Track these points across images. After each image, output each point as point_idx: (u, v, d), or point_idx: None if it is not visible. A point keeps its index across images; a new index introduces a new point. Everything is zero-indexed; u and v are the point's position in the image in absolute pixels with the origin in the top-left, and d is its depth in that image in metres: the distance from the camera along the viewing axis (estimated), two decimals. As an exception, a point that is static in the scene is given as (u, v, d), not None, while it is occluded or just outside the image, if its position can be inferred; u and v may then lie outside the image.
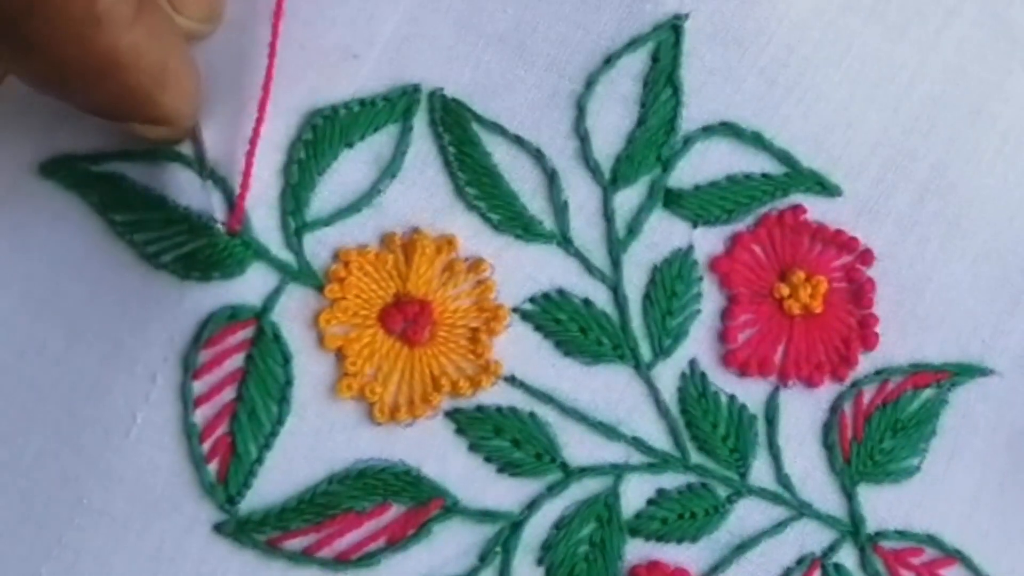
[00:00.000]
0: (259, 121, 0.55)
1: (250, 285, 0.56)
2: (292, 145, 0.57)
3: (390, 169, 0.58)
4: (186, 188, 0.56)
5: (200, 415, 0.57)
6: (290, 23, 0.57)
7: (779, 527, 0.60)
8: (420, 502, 0.58)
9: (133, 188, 0.57)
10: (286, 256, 0.57)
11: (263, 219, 0.57)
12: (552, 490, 0.58)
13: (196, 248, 0.56)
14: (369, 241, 0.58)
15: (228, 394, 0.57)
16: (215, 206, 0.56)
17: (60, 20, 0.47)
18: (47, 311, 0.57)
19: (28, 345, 0.57)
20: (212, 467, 0.57)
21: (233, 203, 0.56)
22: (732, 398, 0.59)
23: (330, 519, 0.57)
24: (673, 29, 0.59)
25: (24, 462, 0.57)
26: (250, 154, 0.55)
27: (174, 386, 0.56)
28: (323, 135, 0.57)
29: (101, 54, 0.49)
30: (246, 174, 0.55)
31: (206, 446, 0.57)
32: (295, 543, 0.57)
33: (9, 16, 0.46)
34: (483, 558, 0.58)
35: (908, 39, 0.61)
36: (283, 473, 0.57)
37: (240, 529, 0.57)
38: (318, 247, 0.57)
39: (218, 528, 0.57)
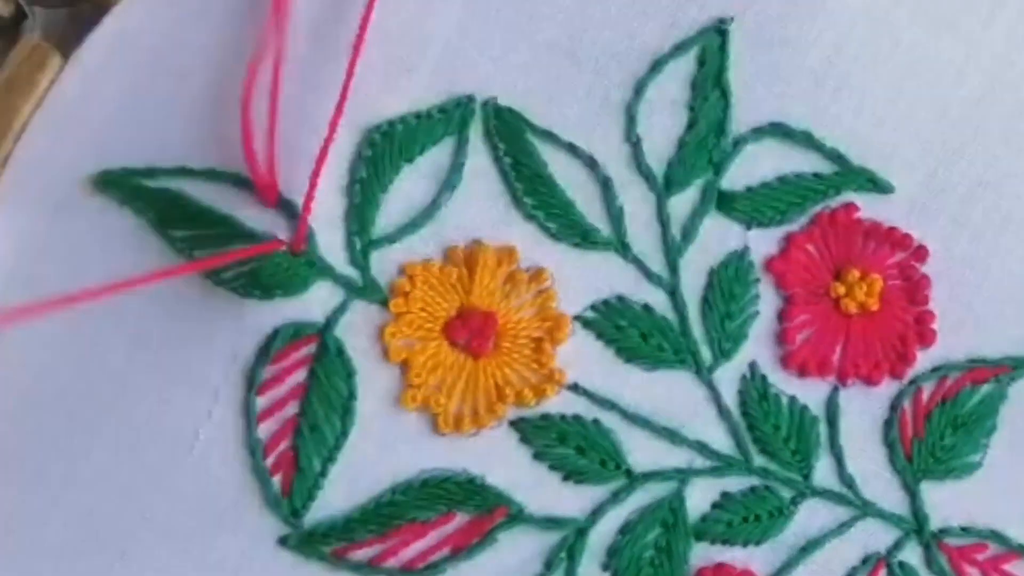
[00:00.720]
0: (328, 140, 0.56)
1: (313, 303, 0.57)
2: (352, 163, 0.58)
3: (449, 181, 0.58)
4: (247, 207, 0.57)
5: (263, 430, 0.58)
6: (343, 37, 0.58)
7: (843, 527, 0.60)
8: (485, 510, 0.59)
9: (193, 205, 0.57)
10: (351, 273, 0.58)
11: (328, 239, 0.57)
12: (617, 496, 0.59)
13: (258, 267, 0.57)
14: (433, 255, 0.59)
15: (291, 409, 0.58)
16: (278, 226, 0.57)
17: None
18: (107, 327, 0.58)
19: (89, 361, 0.58)
20: (276, 481, 0.58)
21: (296, 223, 0.57)
22: (793, 399, 0.60)
23: (395, 529, 0.58)
24: (719, 32, 0.60)
25: (86, 477, 0.58)
26: (315, 175, 0.56)
27: (236, 402, 0.57)
28: (383, 152, 0.58)
29: None
30: (309, 196, 0.56)
31: (269, 461, 0.58)
32: (360, 554, 0.58)
33: None
34: (549, 565, 0.59)
35: (955, 33, 0.61)
36: (348, 485, 0.58)
37: (305, 541, 0.58)
38: (383, 263, 0.58)
39: (282, 541, 0.58)
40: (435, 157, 0.59)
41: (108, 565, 0.58)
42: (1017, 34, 0.61)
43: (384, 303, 0.58)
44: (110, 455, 0.57)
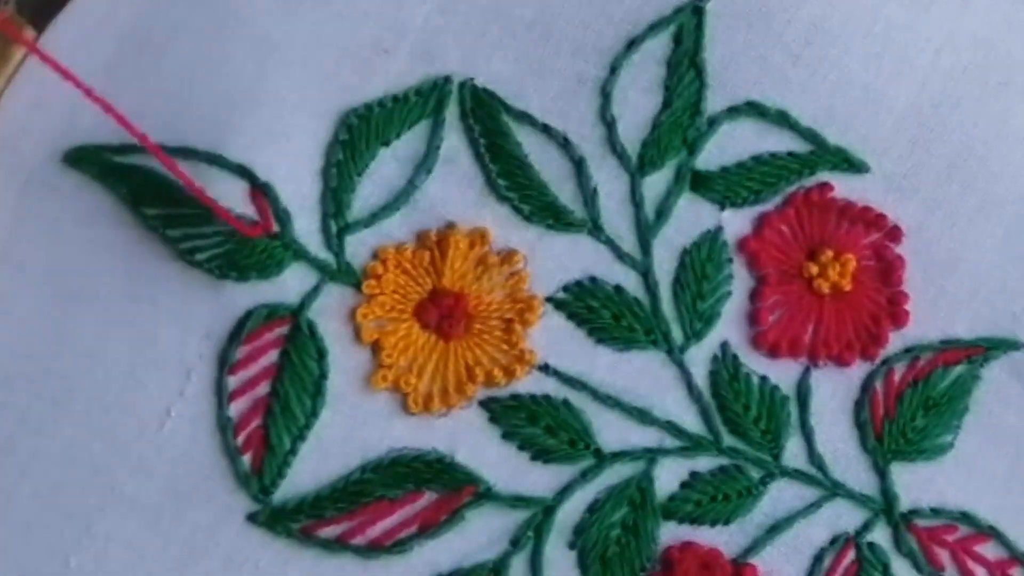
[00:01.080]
0: None
1: (288, 284, 0.58)
2: (330, 146, 0.59)
3: (425, 164, 0.59)
4: (221, 187, 0.58)
5: (234, 409, 0.59)
6: (321, 17, 0.59)
7: (812, 507, 0.61)
8: (453, 489, 0.60)
9: (164, 182, 0.58)
10: (326, 256, 0.59)
11: (304, 222, 0.58)
12: (586, 475, 0.60)
13: (233, 248, 0.58)
14: (406, 238, 0.59)
15: (263, 389, 0.59)
16: (247, 210, 0.58)
17: None
18: (79, 303, 0.58)
19: (60, 336, 0.58)
20: (246, 459, 0.59)
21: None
22: (764, 379, 0.61)
23: (363, 507, 0.59)
24: (694, 11, 0.60)
25: (54, 452, 0.59)
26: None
27: (209, 381, 0.58)
28: (359, 135, 0.59)
29: None
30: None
31: (240, 439, 0.59)
32: (328, 531, 0.59)
33: None
34: (515, 542, 0.60)
35: (934, 11, 0.61)
36: (317, 464, 0.59)
37: (274, 518, 0.59)
38: (358, 247, 0.59)
39: (251, 517, 0.59)
40: (411, 140, 0.60)
41: (75, 539, 0.59)
42: (996, 13, 0.62)
43: (358, 286, 0.59)
44: (80, 430, 0.58)
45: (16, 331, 0.58)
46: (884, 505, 0.61)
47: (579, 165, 0.60)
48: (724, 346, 0.61)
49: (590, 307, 0.60)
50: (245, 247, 0.57)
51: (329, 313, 0.59)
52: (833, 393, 0.61)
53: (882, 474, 0.61)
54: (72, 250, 0.58)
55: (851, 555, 0.61)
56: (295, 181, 0.58)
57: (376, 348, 0.59)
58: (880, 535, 0.61)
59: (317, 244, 0.59)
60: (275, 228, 0.58)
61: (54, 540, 0.58)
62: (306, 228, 0.58)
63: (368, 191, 0.59)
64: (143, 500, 0.58)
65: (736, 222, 0.61)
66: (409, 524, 0.59)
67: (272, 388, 0.58)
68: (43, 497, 0.58)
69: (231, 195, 0.58)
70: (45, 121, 0.58)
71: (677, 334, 0.61)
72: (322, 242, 0.59)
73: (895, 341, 0.61)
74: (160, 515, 0.58)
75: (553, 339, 0.60)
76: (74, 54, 0.57)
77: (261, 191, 0.58)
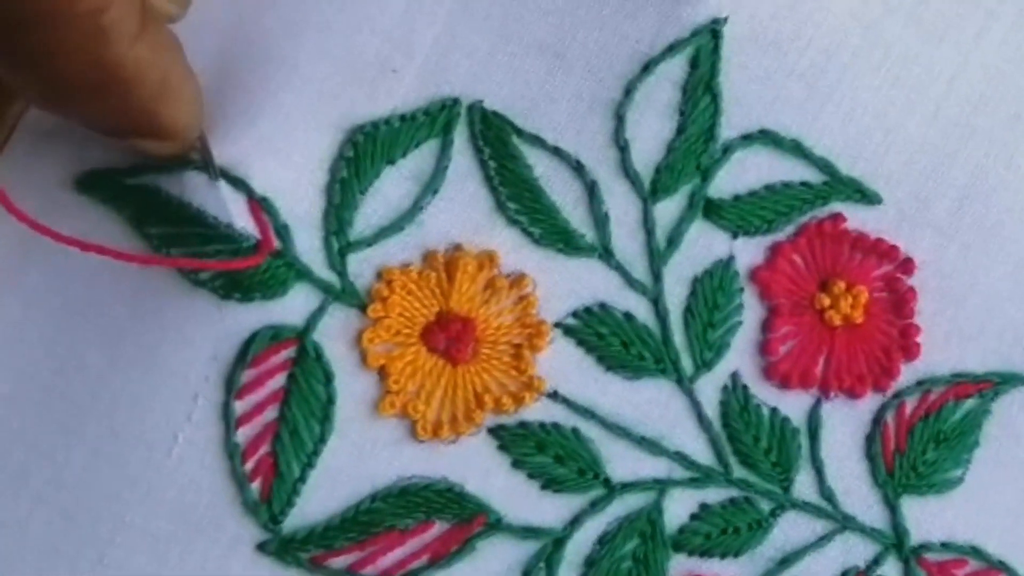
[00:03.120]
0: None
1: (292, 305, 0.60)
2: (334, 163, 0.60)
3: (431, 185, 0.61)
4: (226, 205, 0.59)
5: (242, 435, 0.60)
6: (328, 35, 0.60)
7: (822, 541, 0.63)
8: (463, 519, 0.61)
9: (169, 202, 0.59)
10: (329, 276, 0.60)
11: (306, 240, 0.60)
12: (595, 506, 0.62)
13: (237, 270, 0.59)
14: (412, 259, 0.61)
15: (270, 414, 0.60)
16: (248, 225, 0.59)
17: (66, 32, 0.48)
18: (86, 327, 0.60)
19: (68, 362, 0.60)
20: (255, 486, 0.60)
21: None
22: (774, 411, 0.63)
23: (373, 537, 0.61)
24: (712, 34, 0.62)
25: (66, 479, 0.60)
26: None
27: (216, 406, 0.60)
28: (364, 152, 0.60)
29: (106, 67, 0.50)
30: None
31: (248, 466, 0.60)
32: (339, 561, 0.61)
33: (14, 26, 0.48)
34: (527, 574, 0.62)
35: (947, 42, 0.63)
36: (326, 491, 0.61)
37: (284, 548, 0.60)
38: (362, 266, 0.60)
39: (261, 547, 0.60)
40: (418, 160, 0.61)
41: (88, 569, 0.60)
42: (1009, 45, 0.64)
43: (363, 308, 0.61)
44: (90, 457, 0.60)
45: (27, 357, 0.60)
46: (895, 539, 0.63)
47: (591, 189, 0.62)
48: (735, 376, 0.63)
49: (599, 334, 0.62)
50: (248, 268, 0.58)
51: (335, 335, 0.60)
52: (844, 426, 0.63)
53: (893, 508, 0.63)
54: (80, 275, 0.60)
55: (861, 589, 0.61)
56: (298, 198, 0.60)
57: (383, 373, 0.60)
58: (891, 569, 0.63)
59: (320, 263, 0.60)
60: (276, 245, 0.59)
61: (67, 571, 0.60)
62: (308, 247, 0.60)
63: (372, 210, 0.61)
64: (153, 530, 0.60)
65: (748, 251, 0.63)
66: (420, 555, 0.61)
67: (280, 413, 0.60)
68: (56, 527, 0.60)
69: (229, 207, 0.59)
70: (58, 148, 0.60)
71: (687, 363, 0.63)
72: (325, 261, 0.60)
73: (906, 374, 0.63)
74: (171, 545, 0.60)
75: (562, 365, 0.62)
76: None
77: (259, 205, 0.59)
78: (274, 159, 0.59)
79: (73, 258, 0.59)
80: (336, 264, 0.60)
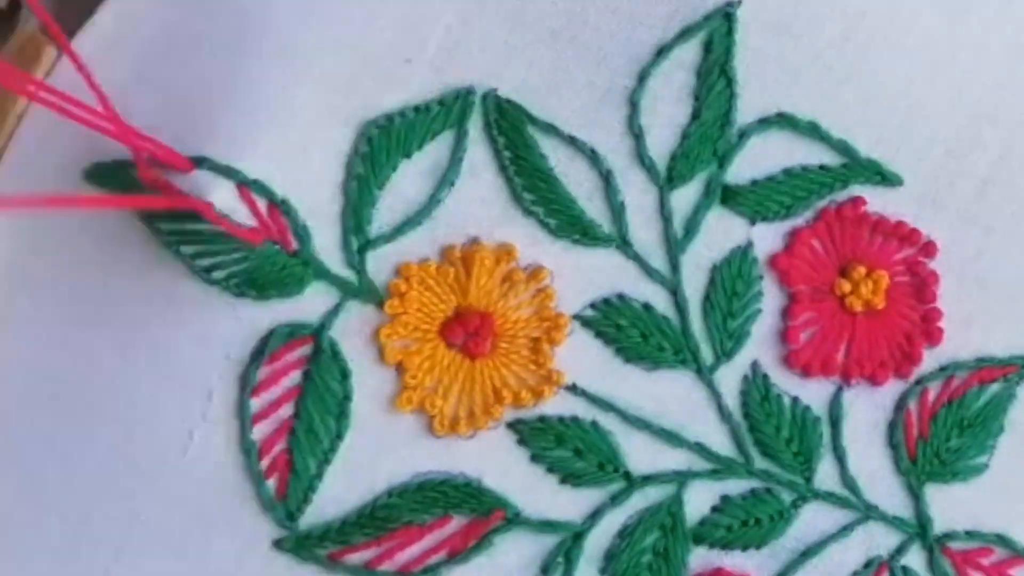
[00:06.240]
0: None
1: (309, 303, 0.63)
2: (349, 159, 0.63)
3: (448, 177, 0.64)
4: (241, 204, 0.62)
5: (258, 432, 0.63)
6: (340, 26, 0.63)
7: (845, 531, 0.67)
8: (481, 513, 0.65)
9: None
10: (347, 274, 0.63)
11: (325, 237, 0.63)
12: (615, 499, 0.66)
13: (253, 266, 0.62)
14: (430, 254, 0.64)
15: (286, 411, 0.64)
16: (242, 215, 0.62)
17: None
18: (99, 323, 0.63)
19: (80, 358, 0.63)
20: (271, 484, 0.64)
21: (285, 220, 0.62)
22: (795, 400, 0.66)
23: (391, 532, 0.64)
24: (725, 17, 0.64)
25: (80, 478, 0.63)
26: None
27: (230, 404, 0.63)
28: (380, 147, 0.63)
29: None
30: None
31: (264, 463, 0.64)
32: (356, 557, 0.64)
33: None
34: (546, 569, 0.65)
35: (970, 19, 0.66)
36: (343, 488, 0.64)
37: (300, 544, 0.64)
38: (380, 264, 0.64)
39: (278, 544, 0.64)
40: (433, 152, 0.64)
41: (103, 568, 0.63)
42: (1035, 21, 0.65)
43: (380, 304, 0.64)
44: (105, 456, 0.63)
45: (39, 354, 0.63)
46: (918, 528, 0.67)
47: (607, 178, 0.65)
48: (755, 366, 0.66)
49: (618, 325, 0.65)
50: (264, 265, 0.62)
51: (351, 332, 0.63)
52: (866, 413, 0.66)
53: (916, 496, 0.66)
54: (93, 270, 0.63)
55: (885, 579, 0.65)
56: (315, 195, 0.62)
57: (400, 369, 0.64)
58: (914, 559, 0.67)
59: (338, 261, 0.63)
60: (294, 246, 0.62)
61: (82, 570, 0.63)
62: (326, 244, 0.63)
63: (389, 205, 0.63)
64: (169, 527, 0.63)
65: (767, 237, 0.66)
66: (438, 550, 0.64)
67: (296, 410, 0.63)
68: (71, 526, 0.63)
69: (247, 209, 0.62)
70: (66, 138, 0.62)
71: (707, 353, 0.66)
72: (343, 259, 0.63)
73: (929, 359, 0.67)
74: (186, 543, 0.63)
75: (580, 358, 0.65)
76: (95, 69, 0.59)
77: (279, 208, 0.62)
78: (293, 159, 0.62)
79: (85, 252, 0.62)
80: (354, 262, 0.63)
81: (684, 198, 0.65)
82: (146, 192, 0.61)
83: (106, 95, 0.57)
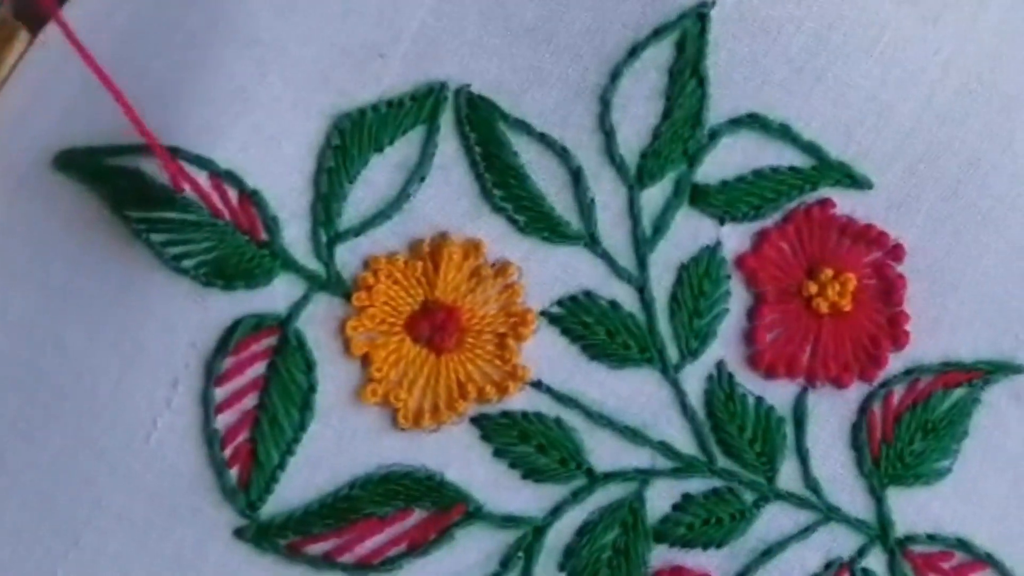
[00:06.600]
0: None
1: (276, 294, 0.64)
2: (321, 152, 0.64)
3: (418, 172, 0.65)
4: (211, 192, 0.63)
5: (221, 421, 0.64)
6: (315, 20, 0.63)
7: (806, 532, 0.67)
8: (442, 507, 0.65)
9: (151, 185, 0.63)
10: (315, 266, 0.64)
11: (294, 229, 0.64)
12: (577, 496, 0.66)
13: (222, 256, 0.63)
14: (398, 248, 0.65)
15: (250, 401, 0.64)
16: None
17: None
18: (66, 308, 0.64)
19: (47, 342, 0.64)
20: (233, 473, 0.64)
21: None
22: (759, 400, 0.67)
23: (352, 524, 0.65)
24: (699, 17, 0.65)
25: (43, 461, 0.64)
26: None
27: (195, 392, 0.64)
28: (352, 140, 0.64)
29: None
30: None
31: (227, 452, 0.64)
32: (316, 548, 0.65)
33: None
34: (505, 563, 0.66)
35: (943, 24, 0.66)
36: (305, 478, 0.65)
37: (261, 534, 0.65)
38: (349, 256, 0.64)
39: (238, 533, 0.65)
40: (405, 147, 0.65)
41: (63, 551, 0.64)
42: (1006, 28, 0.67)
43: (347, 296, 0.64)
44: (68, 441, 0.64)
45: (7, 336, 0.64)
46: (880, 531, 0.67)
47: (576, 175, 0.65)
48: (720, 365, 0.67)
49: (584, 323, 0.66)
50: (233, 256, 0.63)
51: (318, 324, 0.64)
52: (830, 415, 0.67)
53: (878, 499, 0.67)
54: (61, 255, 0.63)
55: (845, 581, 0.66)
56: (286, 187, 0.63)
57: (366, 361, 0.64)
58: (875, 561, 0.67)
59: (306, 253, 0.64)
60: (264, 236, 0.63)
61: (42, 553, 0.64)
62: (295, 236, 0.64)
63: (359, 198, 0.64)
64: (130, 513, 0.64)
65: (735, 238, 0.66)
66: (398, 542, 0.65)
67: (260, 400, 0.64)
68: (32, 509, 0.64)
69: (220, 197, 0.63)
70: (37, 124, 0.63)
71: (672, 352, 0.66)
72: (311, 251, 0.64)
73: (895, 362, 0.67)
74: (147, 530, 0.64)
75: (546, 355, 0.66)
76: (67, 57, 0.61)
77: (250, 199, 0.63)
78: (265, 150, 0.63)
79: (56, 237, 0.63)
80: (323, 254, 0.64)
81: (653, 197, 0.66)
82: (113, 177, 0.63)
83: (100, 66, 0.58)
